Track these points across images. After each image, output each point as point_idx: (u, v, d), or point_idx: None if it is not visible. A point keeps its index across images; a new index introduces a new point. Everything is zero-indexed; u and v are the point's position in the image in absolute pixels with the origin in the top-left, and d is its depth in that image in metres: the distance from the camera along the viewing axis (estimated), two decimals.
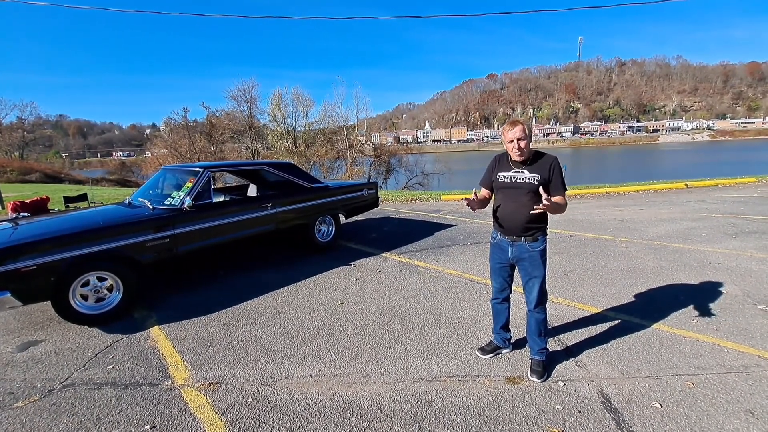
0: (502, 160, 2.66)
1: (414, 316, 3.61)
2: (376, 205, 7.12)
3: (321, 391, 2.54)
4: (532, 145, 2.58)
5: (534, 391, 2.48)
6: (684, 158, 62.08)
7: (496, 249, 2.71)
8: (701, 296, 3.86)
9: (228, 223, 4.65)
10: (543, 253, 2.59)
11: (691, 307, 3.62)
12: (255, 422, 2.26)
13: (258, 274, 4.93)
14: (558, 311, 3.60)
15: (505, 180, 2.57)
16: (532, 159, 2.54)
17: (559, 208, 2.48)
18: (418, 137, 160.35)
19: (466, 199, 2.61)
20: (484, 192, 2.76)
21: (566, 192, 2.57)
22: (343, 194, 6.20)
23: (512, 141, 2.48)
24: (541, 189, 2.37)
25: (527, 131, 2.49)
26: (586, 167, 53.46)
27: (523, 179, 2.51)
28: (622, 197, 11.03)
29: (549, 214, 2.59)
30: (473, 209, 2.64)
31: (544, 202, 2.30)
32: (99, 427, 2.24)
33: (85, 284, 3.54)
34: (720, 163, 43.83)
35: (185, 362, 2.92)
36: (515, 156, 2.52)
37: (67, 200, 9.60)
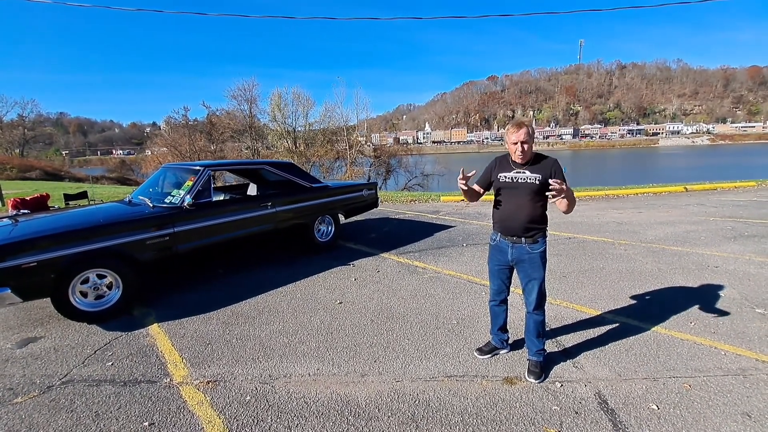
0: (502, 162, 2.66)
1: (412, 317, 3.62)
2: (376, 206, 7.13)
3: (319, 389, 2.55)
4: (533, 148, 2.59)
5: (531, 392, 2.49)
6: (683, 162, 62.16)
7: (496, 251, 2.72)
8: (699, 299, 3.87)
9: (228, 222, 4.66)
10: (543, 255, 2.59)
11: (689, 309, 3.63)
12: (253, 420, 2.27)
13: (257, 273, 4.93)
14: (556, 313, 3.61)
15: (507, 180, 2.58)
16: (534, 160, 2.55)
17: (572, 203, 2.47)
18: (418, 138, 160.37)
19: (462, 183, 2.57)
20: (476, 187, 2.75)
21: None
22: (342, 194, 6.21)
23: (516, 143, 2.49)
24: (551, 180, 2.36)
25: (531, 133, 2.50)
26: (585, 170, 53.49)
27: (524, 179, 2.52)
28: (621, 200, 11.04)
29: (548, 216, 2.61)
30: (466, 188, 2.62)
31: (555, 186, 2.30)
32: (98, 424, 2.25)
33: (85, 281, 3.54)
34: (719, 166, 43.91)
35: (184, 360, 2.93)
36: (517, 158, 2.54)
37: (67, 198, 9.62)
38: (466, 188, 2.63)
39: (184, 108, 26.81)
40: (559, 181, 2.32)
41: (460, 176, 2.56)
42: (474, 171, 2.64)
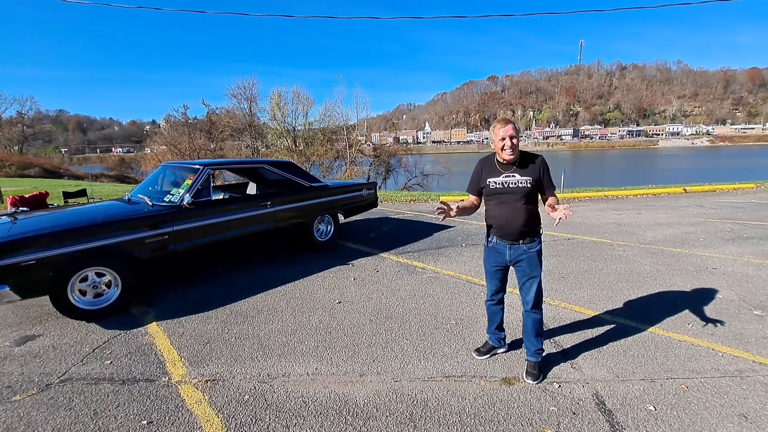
0: (488, 165, 2.58)
1: (411, 317, 3.62)
2: (375, 205, 7.13)
3: (317, 389, 2.55)
4: (532, 148, 2.58)
5: (529, 392, 2.49)
6: (683, 163, 62.23)
7: (493, 252, 2.69)
8: (697, 300, 3.88)
9: (227, 220, 4.66)
10: (540, 254, 2.60)
11: (686, 311, 3.64)
12: (251, 419, 2.27)
13: (256, 272, 4.94)
14: (555, 313, 3.62)
15: (497, 186, 2.51)
16: (521, 161, 2.50)
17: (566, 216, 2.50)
18: (418, 138, 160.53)
19: (440, 206, 2.39)
20: (472, 199, 2.68)
21: (557, 193, 2.59)
22: (342, 194, 6.21)
23: (504, 139, 2.42)
24: (551, 211, 2.43)
25: (518, 130, 2.49)
26: (585, 171, 53.53)
27: (516, 183, 2.47)
28: (620, 201, 11.06)
29: (542, 215, 2.61)
30: (447, 216, 2.40)
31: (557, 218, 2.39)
32: (96, 422, 2.25)
33: (84, 279, 3.54)
34: (719, 168, 43.97)
35: (182, 359, 2.93)
36: (506, 155, 2.45)
37: (67, 195, 9.61)
38: (455, 214, 2.42)
39: (184, 106, 26.73)
40: (561, 217, 2.37)
41: (445, 211, 2.38)
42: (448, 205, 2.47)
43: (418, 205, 10.64)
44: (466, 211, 2.62)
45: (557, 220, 2.40)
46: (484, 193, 2.61)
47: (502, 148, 2.45)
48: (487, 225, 2.70)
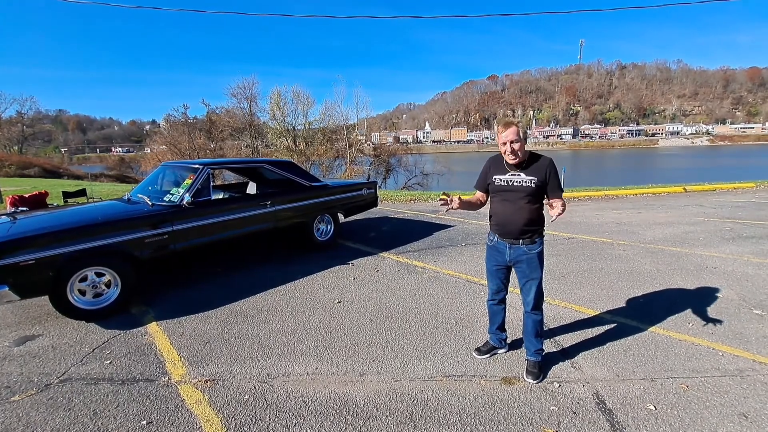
0: (497, 163, 2.61)
1: (411, 316, 3.62)
2: (375, 205, 7.13)
3: (317, 389, 2.55)
4: (532, 148, 2.57)
5: (529, 392, 2.49)
6: (683, 162, 62.24)
7: (493, 251, 2.70)
8: (697, 300, 3.88)
9: (227, 220, 4.65)
10: (540, 255, 2.59)
11: (687, 310, 3.64)
12: (251, 419, 2.27)
13: (256, 271, 4.93)
14: (555, 313, 3.61)
15: (502, 183, 2.54)
16: (528, 161, 2.51)
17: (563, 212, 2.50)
18: (418, 137, 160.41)
19: (442, 198, 2.47)
20: (478, 195, 2.74)
21: (563, 194, 2.57)
22: (342, 193, 6.21)
23: (505, 144, 2.43)
24: (550, 209, 2.43)
25: (521, 134, 2.43)
26: (585, 170, 53.52)
27: (520, 182, 2.49)
28: (620, 200, 11.06)
29: (545, 216, 2.60)
30: (450, 209, 2.48)
31: (555, 215, 2.39)
32: (96, 422, 2.24)
33: (83, 279, 3.54)
34: (719, 167, 43.98)
35: (182, 358, 2.93)
36: (509, 159, 2.49)
37: (66, 195, 9.61)
38: (458, 206, 2.50)
39: (184, 106, 26.66)
40: (558, 213, 2.39)
41: (447, 202, 2.45)
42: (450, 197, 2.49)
43: (418, 205, 10.64)
44: (470, 205, 2.67)
45: (554, 217, 2.41)
46: (489, 190, 2.65)
47: (504, 152, 2.49)
48: (489, 223, 2.72)
